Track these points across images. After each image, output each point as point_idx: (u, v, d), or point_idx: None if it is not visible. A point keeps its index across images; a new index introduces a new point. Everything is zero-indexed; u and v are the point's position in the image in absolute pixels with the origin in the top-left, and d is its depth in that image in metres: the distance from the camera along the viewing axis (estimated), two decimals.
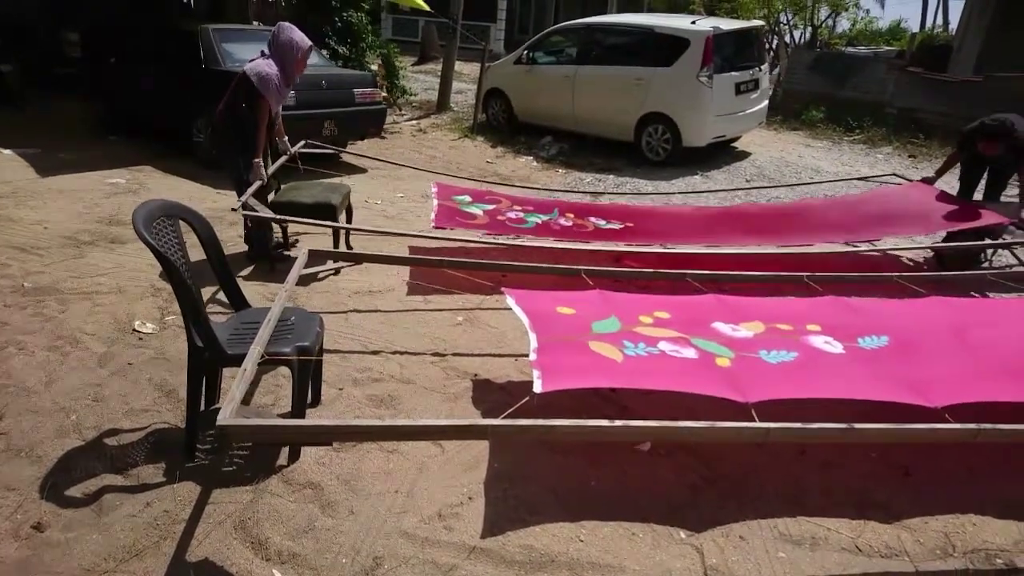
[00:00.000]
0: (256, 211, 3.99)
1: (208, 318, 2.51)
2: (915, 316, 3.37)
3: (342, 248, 4.87)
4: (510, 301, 3.16)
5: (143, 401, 3.03)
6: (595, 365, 2.60)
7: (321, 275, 4.54)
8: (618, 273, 3.87)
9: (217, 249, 2.84)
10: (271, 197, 4.67)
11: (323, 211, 4.49)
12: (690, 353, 2.82)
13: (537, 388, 2.35)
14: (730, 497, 2.63)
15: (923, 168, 8.72)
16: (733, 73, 8.43)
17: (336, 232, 4.63)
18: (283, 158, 4.88)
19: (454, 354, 3.62)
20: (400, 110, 12.04)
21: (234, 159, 4.44)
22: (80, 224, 5.41)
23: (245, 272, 4.57)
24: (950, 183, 5.80)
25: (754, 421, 2.28)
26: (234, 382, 2.14)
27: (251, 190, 4.19)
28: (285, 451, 2.70)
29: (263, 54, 4.46)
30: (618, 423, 2.10)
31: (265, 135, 4.38)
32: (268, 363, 2.46)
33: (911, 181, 6.00)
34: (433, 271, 4.22)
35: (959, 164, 5.55)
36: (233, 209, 3.94)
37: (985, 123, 4.99)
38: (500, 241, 4.20)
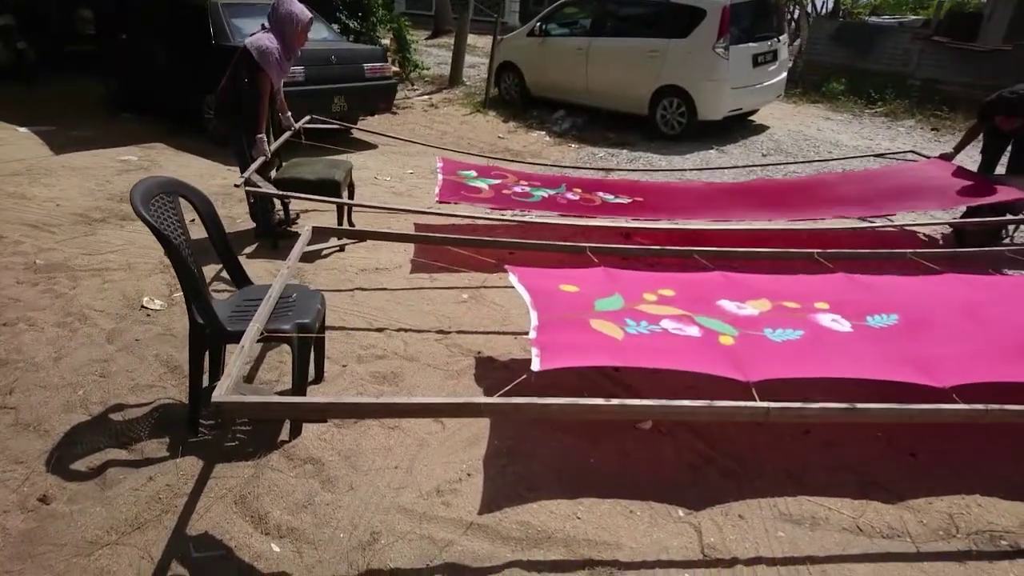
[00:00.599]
0: (259, 187, 3.99)
1: (208, 295, 2.52)
2: (927, 294, 3.30)
3: (345, 225, 4.86)
4: (512, 279, 3.14)
5: (149, 377, 3.07)
6: (595, 343, 2.58)
7: (326, 252, 4.55)
8: (624, 250, 3.82)
9: (218, 226, 2.85)
10: (274, 174, 4.66)
11: (326, 187, 4.47)
12: (693, 331, 2.79)
13: (535, 366, 2.33)
14: (730, 476, 2.61)
15: (946, 142, 8.49)
16: (751, 44, 8.22)
17: (340, 209, 4.62)
18: (287, 133, 4.86)
19: (458, 331, 3.62)
20: (412, 85, 11.94)
21: (238, 135, 4.43)
22: (92, 201, 5.46)
23: (249, 249, 4.59)
24: (974, 156, 5.64)
25: (756, 396, 2.26)
26: (231, 359, 2.15)
27: (254, 166, 4.18)
28: (287, 427, 2.72)
29: (263, 27, 4.42)
30: (614, 402, 2.09)
31: (267, 110, 4.36)
32: (269, 340, 2.47)
33: (929, 158, 5.85)
34: (438, 248, 4.20)
35: (981, 137, 5.38)
36: (236, 185, 3.95)
37: (1004, 95, 4.82)
38: (506, 218, 4.16)
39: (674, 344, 2.65)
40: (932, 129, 9.23)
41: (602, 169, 6.98)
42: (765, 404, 2.13)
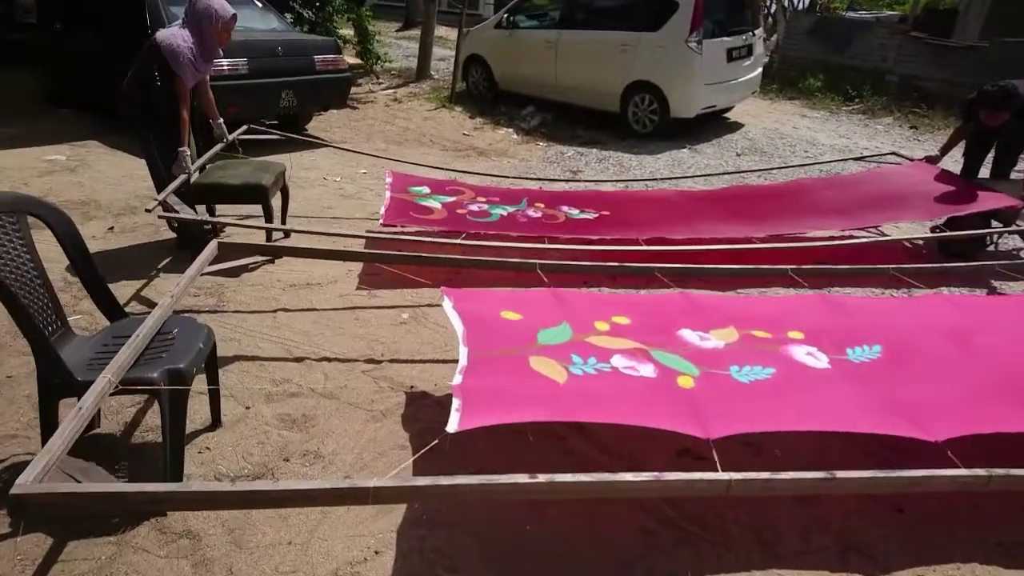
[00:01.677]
0: (176, 211, 3.51)
1: (47, 338, 2.06)
2: (912, 318, 2.94)
3: (279, 235, 4.39)
4: (447, 305, 2.72)
5: (13, 424, 2.61)
6: (531, 391, 2.18)
7: (253, 266, 4.09)
8: (578, 268, 3.42)
9: (79, 248, 2.39)
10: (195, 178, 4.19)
11: (252, 193, 4.01)
12: (648, 370, 2.39)
13: (452, 425, 1.92)
14: (689, 542, 2.22)
15: (925, 140, 8.23)
16: (725, 38, 7.87)
17: (267, 217, 4.14)
18: (217, 146, 4.37)
19: (390, 360, 3.19)
20: (377, 78, 11.44)
21: (149, 147, 3.94)
22: None
23: (167, 263, 4.11)
24: (956, 158, 5.33)
25: (716, 457, 1.88)
26: (62, 426, 1.71)
27: (172, 186, 3.69)
28: None
29: (182, 22, 3.94)
30: (540, 479, 1.68)
31: (187, 118, 3.86)
32: (129, 392, 2.03)
33: (912, 160, 5.52)
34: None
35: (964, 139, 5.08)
36: (147, 210, 3.45)
37: (985, 90, 4.51)
38: (455, 242, 3.71)
39: (624, 388, 2.26)
40: (911, 127, 8.96)
41: (565, 180, 6.51)
42: (726, 476, 1.74)
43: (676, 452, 2.56)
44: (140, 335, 2.15)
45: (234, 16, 3.97)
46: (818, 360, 2.54)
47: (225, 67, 6.31)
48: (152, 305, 3.57)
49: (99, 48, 7.23)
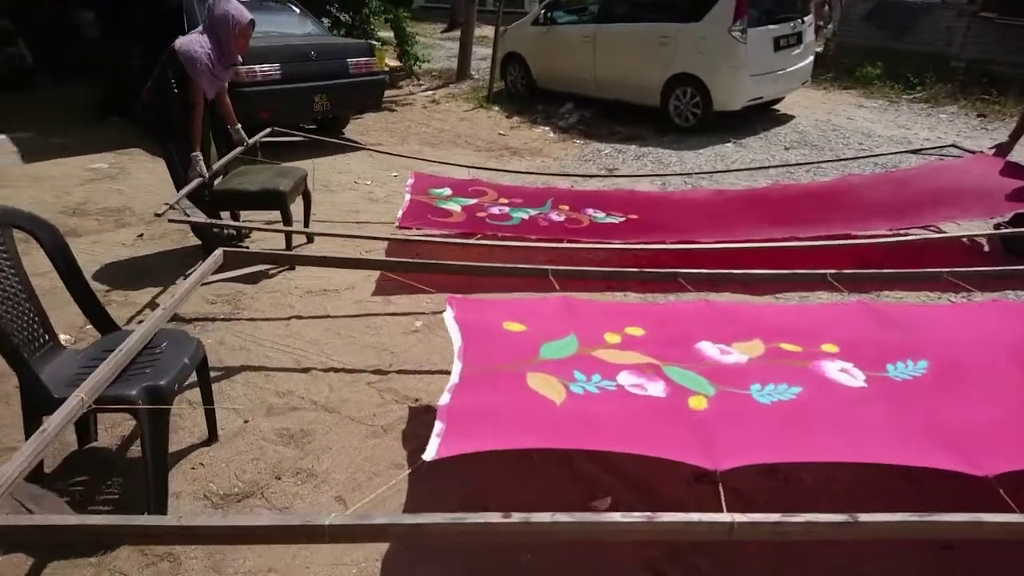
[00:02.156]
0: (188, 215, 3.49)
1: (21, 354, 2.01)
2: (965, 330, 2.63)
3: (302, 241, 4.35)
4: (448, 315, 2.58)
5: (15, 436, 2.60)
6: (523, 413, 2.01)
7: (273, 272, 4.05)
8: (594, 273, 3.22)
9: (68, 261, 2.35)
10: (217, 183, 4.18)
11: (270, 199, 3.98)
12: (657, 388, 2.19)
13: (428, 452, 1.77)
14: None
15: (994, 130, 7.62)
16: (771, 26, 7.48)
17: (286, 222, 4.09)
18: (236, 150, 4.35)
19: (398, 371, 3.08)
20: (418, 80, 11.43)
21: (169, 152, 3.96)
22: (43, 214, 5.07)
23: (190, 272, 4.10)
24: None
25: (722, 493, 1.68)
26: (23, 447, 1.65)
27: (185, 190, 3.69)
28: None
29: (201, 28, 3.93)
30: (514, 518, 1.53)
31: (200, 124, 3.85)
32: (107, 411, 1.96)
33: (975, 153, 5.07)
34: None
35: None
36: (157, 214, 3.44)
37: None
38: (472, 242, 3.57)
39: (627, 410, 2.06)
40: (978, 115, 8.32)
41: (594, 176, 6.28)
42: (729, 518, 1.54)
43: (694, 476, 2.35)
44: (123, 350, 2.08)
45: (252, 22, 3.93)
46: (853, 378, 2.29)
47: (258, 73, 6.35)
48: (175, 317, 3.56)
49: (141, 56, 7.42)
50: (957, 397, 2.17)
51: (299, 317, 3.58)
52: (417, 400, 2.86)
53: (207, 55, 3.79)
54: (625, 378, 2.23)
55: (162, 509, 2.10)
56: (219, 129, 4.31)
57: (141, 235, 4.74)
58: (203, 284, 3.14)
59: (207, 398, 2.54)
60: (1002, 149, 4.79)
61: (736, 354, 2.43)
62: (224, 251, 2.98)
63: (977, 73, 9.34)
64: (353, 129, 8.15)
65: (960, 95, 9.03)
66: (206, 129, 4.02)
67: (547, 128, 8.44)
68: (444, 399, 2.02)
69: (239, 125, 4.33)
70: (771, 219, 4.34)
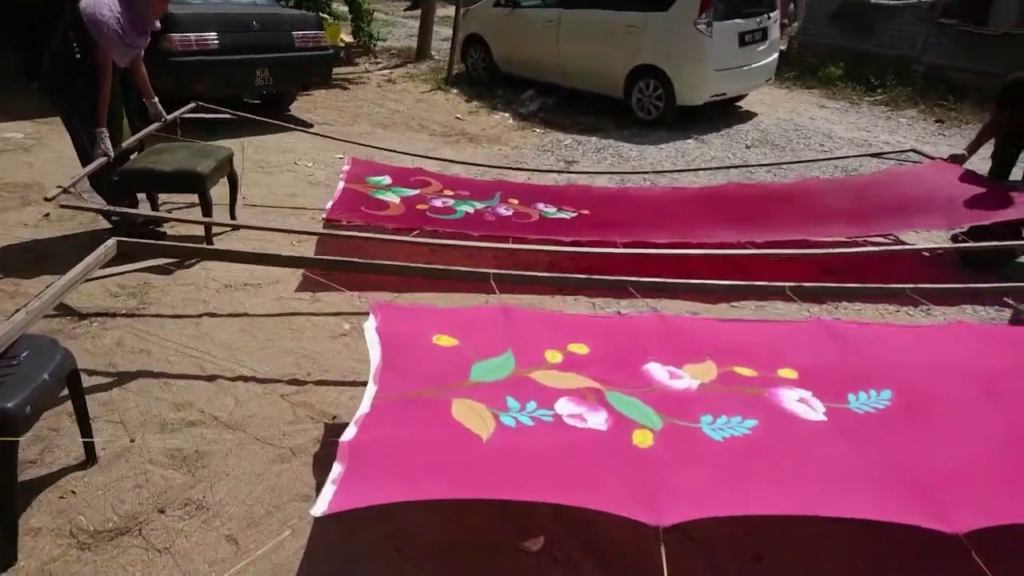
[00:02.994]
0: (84, 201, 3.09)
1: None
2: (930, 354, 2.45)
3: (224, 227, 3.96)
4: (369, 325, 2.28)
5: None
6: (441, 451, 1.74)
7: (188, 263, 3.66)
8: (539, 279, 2.96)
9: None
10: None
11: (187, 181, 3.59)
12: (598, 420, 1.94)
13: (318, 506, 1.48)
14: None
15: (951, 136, 7.63)
16: (737, 20, 7.29)
17: (204, 208, 3.70)
18: (152, 126, 3.92)
19: (317, 382, 2.76)
20: (375, 58, 10.96)
21: (73, 124, 3.53)
22: None
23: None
24: (986, 158, 4.78)
25: (663, 556, 1.44)
26: None
27: (84, 172, 3.28)
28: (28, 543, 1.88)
29: None
30: None
31: (107, 96, 3.42)
32: None
33: (933, 159, 4.97)
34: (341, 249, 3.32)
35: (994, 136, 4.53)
36: (47, 198, 3.03)
37: (1020, 79, 3.97)
38: (407, 239, 3.24)
39: (563, 447, 1.81)
40: (936, 121, 8.33)
41: (552, 171, 6.02)
42: None
43: None
44: None
45: None
46: (812, 409, 2.08)
47: (193, 42, 5.87)
48: (68, 311, 3.17)
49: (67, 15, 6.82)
50: (923, 435, 1.98)
51: (212, 315, 3.22)
52: (335, 417, 2.55)
53: (116, 19, 3.37)
54: (564, 406, 1.98)
55: (8, 557, 1.76)
56: (134, 103, 3.88)
57: (47, 215, 4.27)
58: (89, 280, 2.77)
59: (81, 416, 2.18)
60: (957, 159, 4.70)
61: (687, 378, 2.19)
62: (119, 241, 2.61)
63: (936, 78, 9.37)
64: (301, 107, 7.69)
65: (920, 99, 9.05)
66: (117, 103, 3.59)
67: (507, 114, 8.13)
68: (348, 433, 1.73)
69: (156, 99, 3.91)
70: (728, 220, 4.15)
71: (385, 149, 5.53)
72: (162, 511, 2.07)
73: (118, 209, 3.25)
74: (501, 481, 1.66)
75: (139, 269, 3.42)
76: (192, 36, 5.83)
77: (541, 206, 4.13)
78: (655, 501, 1.62)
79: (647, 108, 7.56)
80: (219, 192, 4.06)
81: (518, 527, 2.10)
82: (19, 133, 5.97)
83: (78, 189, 3.15)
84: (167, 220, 3.87)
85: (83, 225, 4.15)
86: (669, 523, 1.55)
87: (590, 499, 1.63)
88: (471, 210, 3.95)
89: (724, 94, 7.62)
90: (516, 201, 4.16)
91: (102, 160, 3.40)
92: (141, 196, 3.99)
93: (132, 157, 3.74)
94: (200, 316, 3.19)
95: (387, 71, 10.18)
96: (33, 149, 5.62)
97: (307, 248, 3.92)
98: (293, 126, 6.18)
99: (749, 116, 8.16)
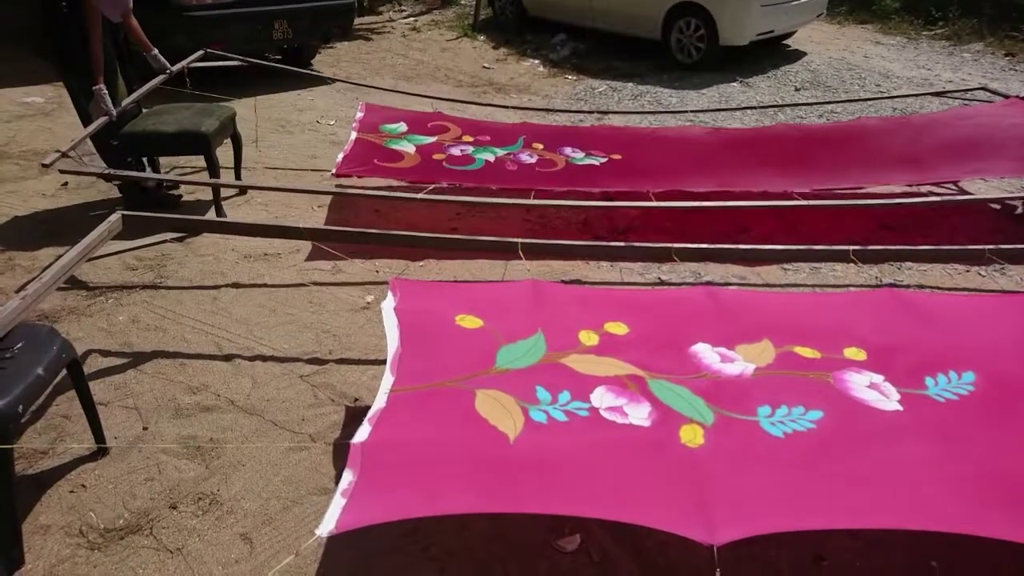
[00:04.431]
0: (83, 164, 2.93)
1: None
2: (1018, 329, 2.16)
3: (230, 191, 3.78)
4: (387, 305, 2.10)
5: None
6: (463, 458, 1.55)
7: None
8: (570, 248, 2.72)
9: None
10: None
11: (191, 142, 3.41)
12: (640, 414, 1.73)
13: (325, 525, 1.31)
14: None
15: None
16: None
17: (212, 172, 3.51)
18: (156, 79, 3.71)
19: (339, 360, 2.61)
20: (400, 5, 10.54)
21: (71, 83, 3.36)
22: None
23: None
24: None
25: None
26: None
27: (84, 134, 3.12)
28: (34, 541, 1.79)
29: None
30: None
31: (100, 50, 3.22)
32: None
33: (1007, 97, 4.49)
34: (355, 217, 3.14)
35: None
36: (44, 164, 2.88)
37: None
38: (420, 196, 3.01)
39: (602, 450, 1.61)
40: (1006, 55, 7.64)
41: (575, 112, 5.68)
42: None
43: None
44: None
45: None
46: (885, 397, 1.83)
47: None
48: (80, 285, 3.07)
49: None
50: (1016, 428, 1.72)
51: (233, 285, 3.08)
52: (356, 400, 2.40)
53: None
54: (602, 398, 1.77)
55: (11, 562, 1.66)
56: (127, 61, 3.66)
57: (66, 184, 4.16)
58: (92, 258, 2.64)
59: (87, 407, 2.06)
60: None
61: (740, 361, 1.96)
62: (124, 215, 2.46)
63: (1007, 6, 8.57)
64: (323, 60, 7.42)
65: (986, 32, 8.29)
66: (110, 58, 3.39)
67: (537, 61, 7.73)
68: (361, 434, 1.56)
69: (156, 51, 3.67)
70: (775, 165, 3.80)
71: (408, 93, 5.25)
72: (174, 507, 1.96)
73: (119, 173, 3.08)
74: (531, 492, 1.48)
75: (145, 246, 3.29)
76: None
77: (568, 151, 3.82)
78: (708, 515, 1.42)
79: (687, 50, 7.09)
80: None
81: (552, 523, 1.93)
82: (40, 98, 5.87)
83: (78, 152, 2.99)
84: (171, 181, 3.69)
85: (102, 193, 4.03)
86: (724, 541, 1.35)
87: (633, 513, 1.43)
88: (491, 158, 3.67)
89: (771, 32, 7.08)
90: (541, 146, 3.85)
91: (103, 120, 3.23)
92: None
93: (132, 121, 3.56)
94: (219, 288, 3.06)
95: (412, 19, 9.77)
96: (53, 114, 5.51)
97: (326, 212, 3.75)
98: (307, 71, 5.93)
99: (798, 56, 7.60)
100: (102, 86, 3.23)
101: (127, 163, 3.48)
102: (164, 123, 3.46)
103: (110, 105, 3.26)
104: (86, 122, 3.41)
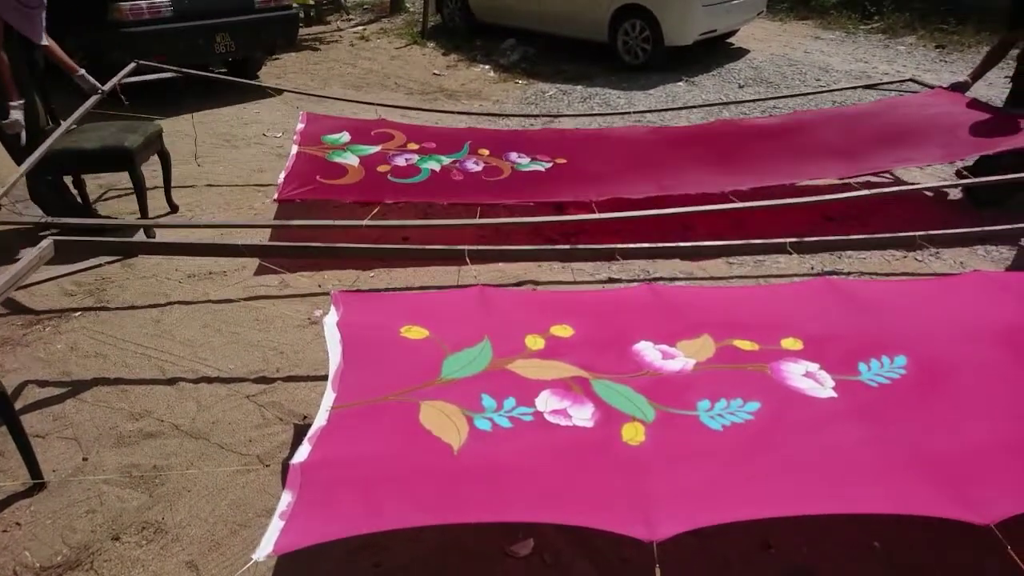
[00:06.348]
0: (19, 213, 2.83)
1: None
2: (948, 311, 2.25)
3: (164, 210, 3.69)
4: (329, 320, 2.07)
5: None
6: (407, 472, 1.54)
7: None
8: (517, 253, 2.73)
9: None
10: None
11: (115, 158, 3.32)
12: (584, 415, 1.75)
13: (262, 548, 1.29)
14: None
15: (953, 62, 7.26)
16: None
17: (139, 195, 3.42)
18: (91, 100, 3.58)
19: (286, 378, 2.57)
20: (347, 14, 10.47)
21: None
22: None
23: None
24: (993, 85, 4.49)
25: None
26: None
27: (18, 175, 2.99)
28: None
29: None
30: None
31: (8, 68, 3.09)
32: None
33: (933, 88, 4.66)
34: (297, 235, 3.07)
35: (1009, 60, 4.21)
36: None
37: None
38: (363, 223, 2.95)
39: (546, 454, 1.62)
40: (937, 47, 7.94)
41: (536, 116, 5.73)
42: None
43: None
44: None
45: None
46: (820, 385, 1.88)
47: (145, 9, 5.49)
48: (16, 312, 2.96)
49: None
50: (945, 409, 1.79)
51: (176, 305, 3.00)
52: (305, 418, 2.36)
53: None
54: (546, 402, 1.78)
55: None
56: (41, 84, 3.51)
57: None
58: (22, 287, 2.56)
59: (20, 442, 1.99)
60: (959, 87, 4.39)
61: (681, 357, 1.99)
62: (55, 241, 2.38)
63: (935, 1, 8.91)
64: (269, 72, 7.32)
65: (918, 25, 8.62)
66: (29, 79, 3.26)
67: (487, 67, 7.75)
68: (300, 454, 1.54)
69: (82, 71, 3.55)
70: (716, 163, 3.88)
71: (357, 102, 5.21)
72: (117, 538, 1.90)
73: (58, 221, 2.96)
74: (475, 501, 1.48)
75: (82, 270, 3.19)
76: (143, 3, 5.47)
77: (514, 156, 3.83)
78: (647, 511, 1.44)
79: (634, 51, 7.19)
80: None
81: (505, 530, 1.93)
82: None
83: (11, 199, 2.87)
84: (105, 226, 3.52)
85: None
86: (663, 537, 1.37)
87: (575, 515, 1.45)
88: (437, 167, 3.65)
89: (714, 31, 7.23)
90: (487, 152, 3.85)
91: (37, 156, 3.08)
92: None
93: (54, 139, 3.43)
94: (162, 308, 2.98)
95: (360, 28, 9.71)
96: None
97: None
98: (251, 82, 5.84)
99: (741, 53, 7.77)
100: (15, 104, 3.10)
101: (47, 181, 3.37)
102: (87, 140, 3.36)
103: (21, 122, 3.12)
104: (11, 153, 3.27)
